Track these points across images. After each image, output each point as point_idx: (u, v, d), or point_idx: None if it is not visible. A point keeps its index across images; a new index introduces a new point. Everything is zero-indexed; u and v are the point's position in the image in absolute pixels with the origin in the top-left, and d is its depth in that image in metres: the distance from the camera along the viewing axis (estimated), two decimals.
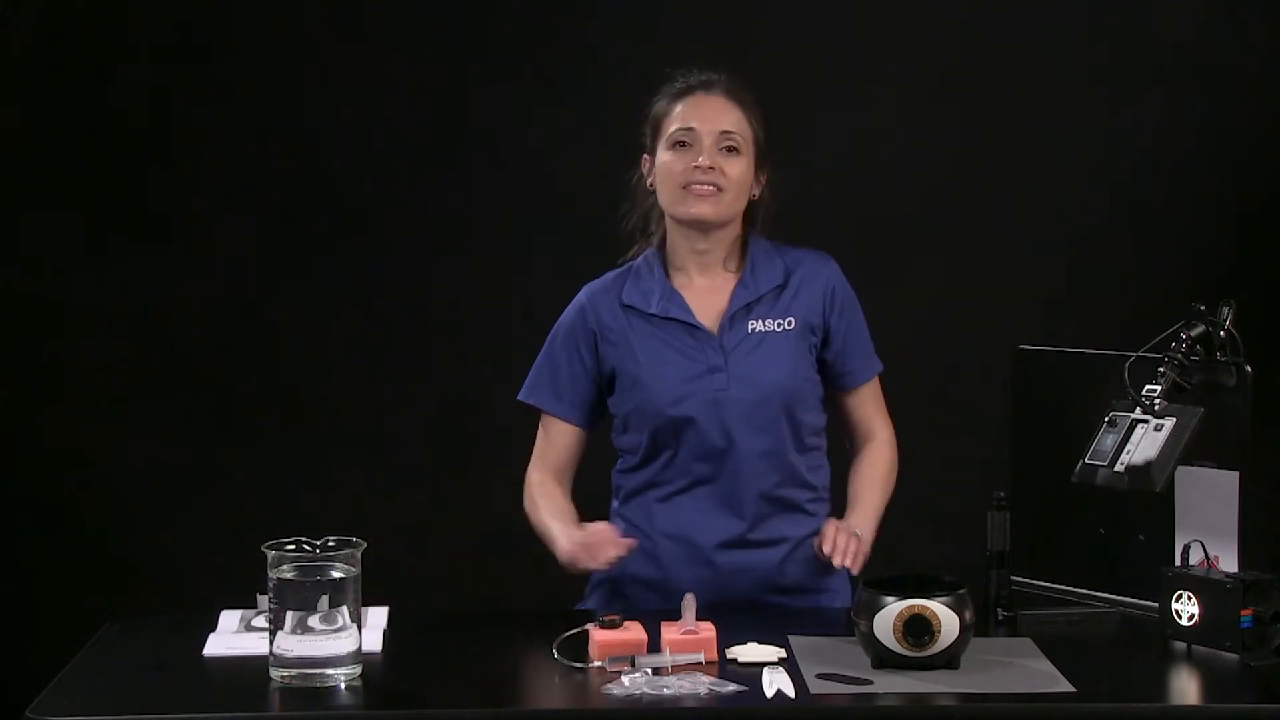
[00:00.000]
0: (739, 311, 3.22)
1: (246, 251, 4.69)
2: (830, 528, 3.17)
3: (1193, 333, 2.99)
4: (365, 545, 2.78)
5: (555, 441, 3.31)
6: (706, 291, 3.24)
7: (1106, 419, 3.03)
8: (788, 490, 3.23)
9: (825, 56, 4.58)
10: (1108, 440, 3.02)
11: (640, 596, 3.23)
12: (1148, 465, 2.94)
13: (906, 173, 4.66)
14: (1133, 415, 3.00)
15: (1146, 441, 2.97)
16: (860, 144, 4.57)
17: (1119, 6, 4.66)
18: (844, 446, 3.35)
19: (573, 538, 3.12)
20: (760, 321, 3.22)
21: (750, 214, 3.27)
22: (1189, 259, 4.62)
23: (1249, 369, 2.97)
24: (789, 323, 3.23)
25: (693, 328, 3.22)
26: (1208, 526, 2.99)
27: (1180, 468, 2.96)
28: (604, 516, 3.28)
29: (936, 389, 4.55)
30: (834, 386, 3.29)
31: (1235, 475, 2.97)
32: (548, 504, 3.27)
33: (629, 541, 3.10)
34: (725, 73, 3.25)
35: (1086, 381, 3.16)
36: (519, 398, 3.32)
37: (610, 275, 3.32)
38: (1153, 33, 4.64)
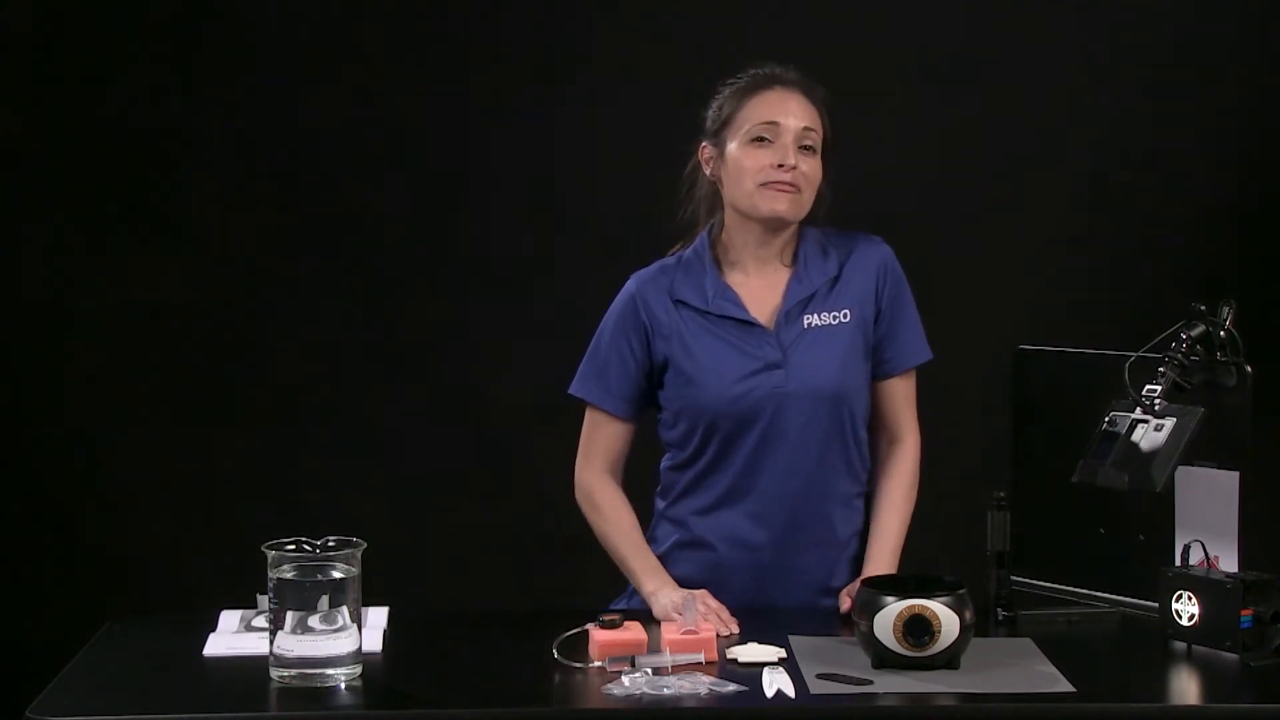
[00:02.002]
0: (794, 307, 3.19)
1: (246, 251, 4.69)
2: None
3: (1193, 333, 2.99)
4: (365, 545, 2.78)
5: (605, 437, 3.25)
6: (760, 288, 3.21)
7: (1106, 419, 3.03)
8: (840, 485, 3.20)
9: (822, 56, 4.57)
10: (1108, 440, 3.01)
11: None
12: (1148, 465, 2.94)
13: (905, 173, 4.66)
14: (1133, 415, 3.00)
15: (1146, 441, 2.96)
16: (859, 144, 4.55)
17: (1119, 6, 4.65)
18: (870, 439, 3.28)
19: (674, 602, 3.02)
20: (816, 316, 3.19)
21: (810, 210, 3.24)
22: (1189, 259, 4.62)
23: (1249, 369, 2.97)
24: (844, 315, 3.20)
25: (748, 324, 3.19)
26: (1208, 526, 2.99)
27: (1180, 468, 2.96)
28: (647, 511, 3.27)
29: (936, 389, 4.54)
30: (873, 373, 3.24)
31: (1235, 475, 2.97)
32: (620, 531, 3.22)
33: (733, 625, 3.01)
34: (796, 69, 3.21)
35: (1086, 381, 3.16)
36: (570, 391, 3.27)
37: (658, 265, 3.27)
38: (1152, 32, 4.64)
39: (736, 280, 3.22)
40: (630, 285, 3.26)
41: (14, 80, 4.63)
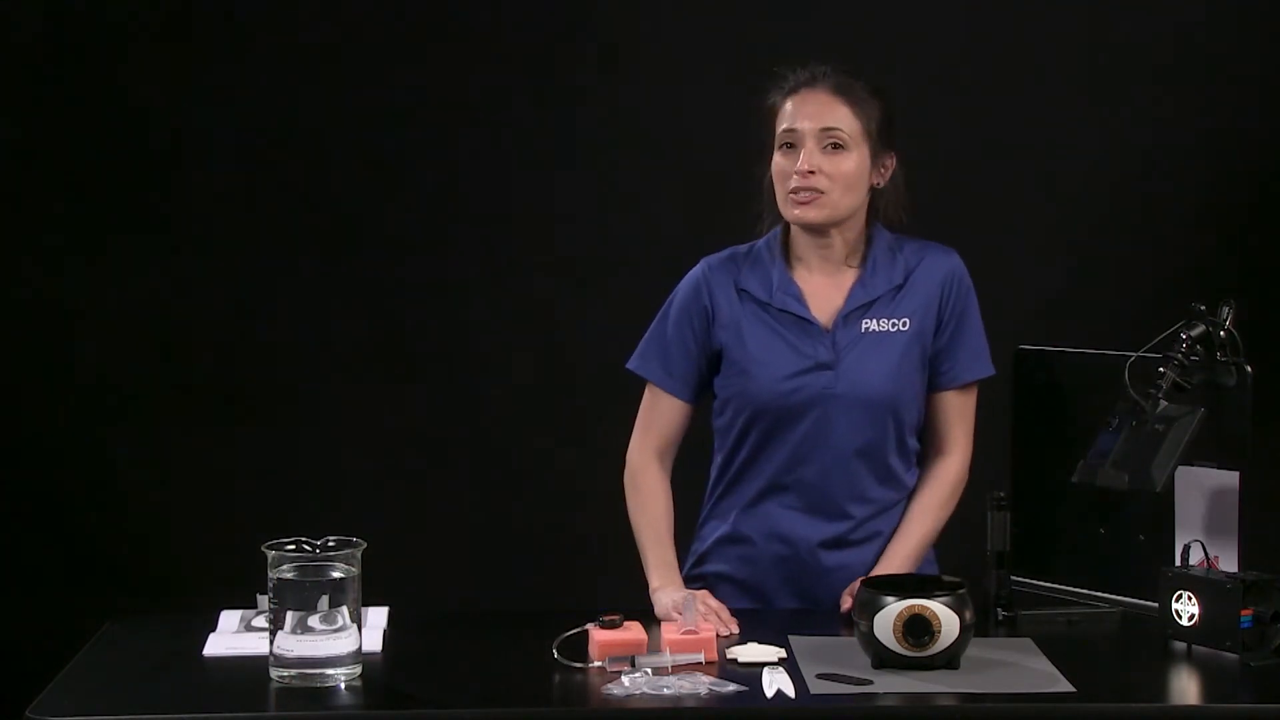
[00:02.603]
0: (854, 311, 3.18)
1: (247, 251, 4.68)
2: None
3: (1193, 333, 2.99)
4: (365, 545, 2.78)
5: (662, 416, 3.26)
6: (825, 286, 3.21)
7: (1107, 419, 3.02)
8: (884, 490, 3.20)
9: (823, 55, 4.57)
10: (1108, 440, 3.01)
11: (728, 596, 3.15)
12: (1148, 465, 2.94)
13: (905, 172, 4.65)
14: (1133, 415, 2.99)
15: (1146, 441, 2.96)
16: None
17: (1119, 6, 4.65)
18: (922, 447, 3.28)
19: (675, 601, 3.01)
20: (875, 321, 3.18)
21: (875, 204, 3.23)
22: (1189, 259, 4.61)
23: (1249, 369, 2.97)
24: (904, 323, 3.19)
25: (806, 322, 3.18)
26: (1208, 526, 2.99)
27: (1180, 468, 2.96)
28: (697, 501, 3.30)
29: None
30: (930, 384, 3.23)
31: (1235, 475, 2.97)
32: (649, 519, 3.23)
33: (733, 625, 3.02)
34: (833, 64, 3.21)
35: (1086, 381, 3.16)
36: (628, 366, 3.28)
37: (728, 252, 3.27)
38: (1153, 32, 4.64)
39: (802, 276, 3.22)
40: (699, 269, 3.27)
41: (15, 81, 4.63)
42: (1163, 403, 2.96)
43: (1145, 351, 3.01)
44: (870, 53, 4.62)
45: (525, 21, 4.67)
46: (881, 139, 3.20)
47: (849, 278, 3.21)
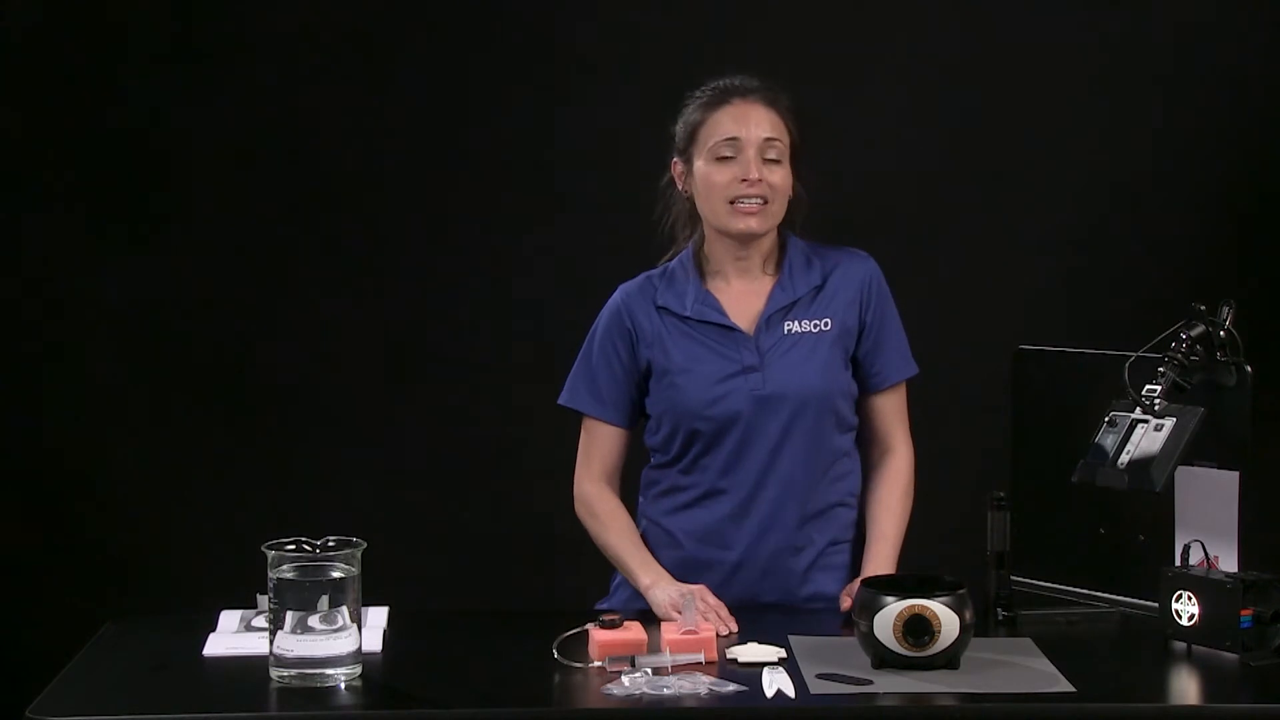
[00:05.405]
0: (776, 314, 3.20)
1: (247, 251, 4.69)
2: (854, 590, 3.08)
3: (1193, 333, 2.99)
4: (365, 545, 2.78)
5: (601, 445, 3.27)
6: (743, 294, 3.22)
7: (1106, 419, 3.03)
8: (818, 494, 3.21)
9: (823, 56, 4.58)
10: (1108, 440, 3.01)
11: None
12: (1148, 465, 2.94)
13: (906, 173, 4.66)
14: (1133, 415, 3.00)
15: (1146, 441, 2.96)
16: (859, 144, 4.57)
17: (1119, 7, 4.65)
18: (863, 453, 3.30)
19: (673, 599, 3.03)
20: (797, 323, 3.20)
21: (787, 215, 3.24)
22: (1189, 259, 4.61)
23: (1249, 369, 2.97)
24: (825, 324, 3.21)
25: (727, 329, 3.20)
26: (1208, 526, 2.99)
27: (1180, 468, 2.96)
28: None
29: (936, 389, 4.53)
30: (862, 387, 3.26)
31: (1235, 475, 2.97)
32: (618, 532, 3.23)
33: (733, 624, 3.02)
34: (758, 77, 3.22)
35: (1086, 381, 3.16)
36: (559, 402, 3.30)
37: (643, 277, 3.29)
38: (1153, 33, 4.64)
39: (718, 287, 3.24)
40: (616, 296, 3.29)
41: (14, 80, 4.63)
42: (1162, 402, 2.96)
43: (1145, 351, 3.01)
44: (873, 52, 4.65)
45: (525, 20, 4.67)
46: (800, 152, 3.22)
47: (766, 284, 3.23)
